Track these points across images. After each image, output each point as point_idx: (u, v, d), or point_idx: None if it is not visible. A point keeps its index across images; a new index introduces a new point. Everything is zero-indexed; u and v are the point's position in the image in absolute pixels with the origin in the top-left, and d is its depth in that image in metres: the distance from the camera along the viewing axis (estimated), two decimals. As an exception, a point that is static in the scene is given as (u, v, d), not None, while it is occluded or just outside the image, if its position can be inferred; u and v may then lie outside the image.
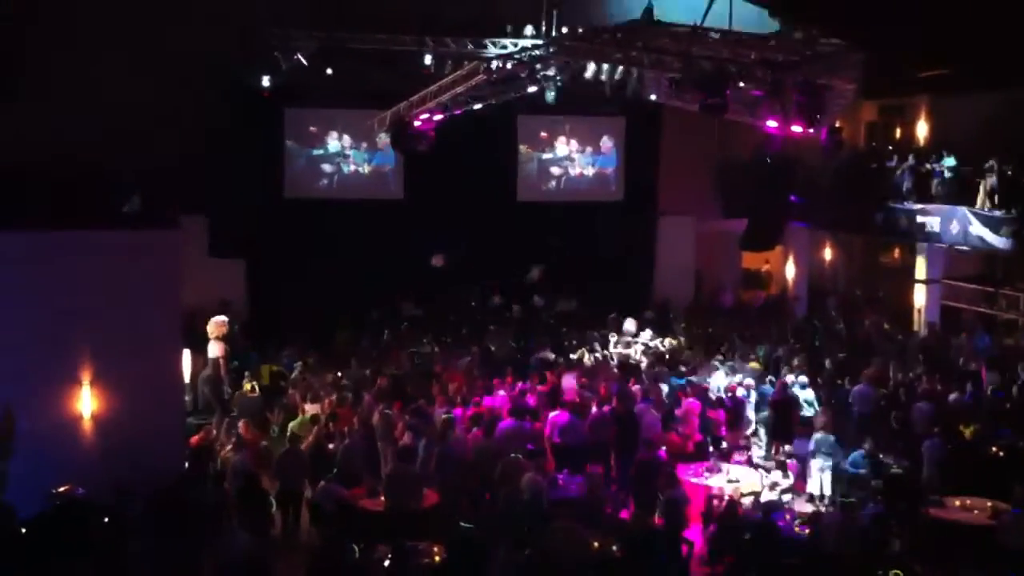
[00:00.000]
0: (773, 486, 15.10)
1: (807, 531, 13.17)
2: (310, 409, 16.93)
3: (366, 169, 25.27)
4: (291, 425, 16.01)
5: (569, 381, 18.49)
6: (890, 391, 18.26)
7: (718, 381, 18.94)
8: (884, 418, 17.15)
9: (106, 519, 11.99)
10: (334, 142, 25.01)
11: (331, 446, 15.23)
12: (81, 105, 20.03)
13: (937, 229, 20.80)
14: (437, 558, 11.92)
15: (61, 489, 12.36)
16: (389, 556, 11.66)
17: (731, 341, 22.33)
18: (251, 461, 14.23)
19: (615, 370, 19.85)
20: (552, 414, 16.47)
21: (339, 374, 19.21)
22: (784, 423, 17.00)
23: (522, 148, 26.49)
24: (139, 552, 11.84)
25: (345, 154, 25.11)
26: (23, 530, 11.59)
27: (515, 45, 20.34)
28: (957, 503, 13.77)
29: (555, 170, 26.81)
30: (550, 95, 20.58)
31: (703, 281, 27.93)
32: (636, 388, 17.75)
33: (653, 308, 25.58)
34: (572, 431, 16.04)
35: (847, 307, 25.58)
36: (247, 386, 17.69)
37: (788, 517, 13.71)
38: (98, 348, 13.64)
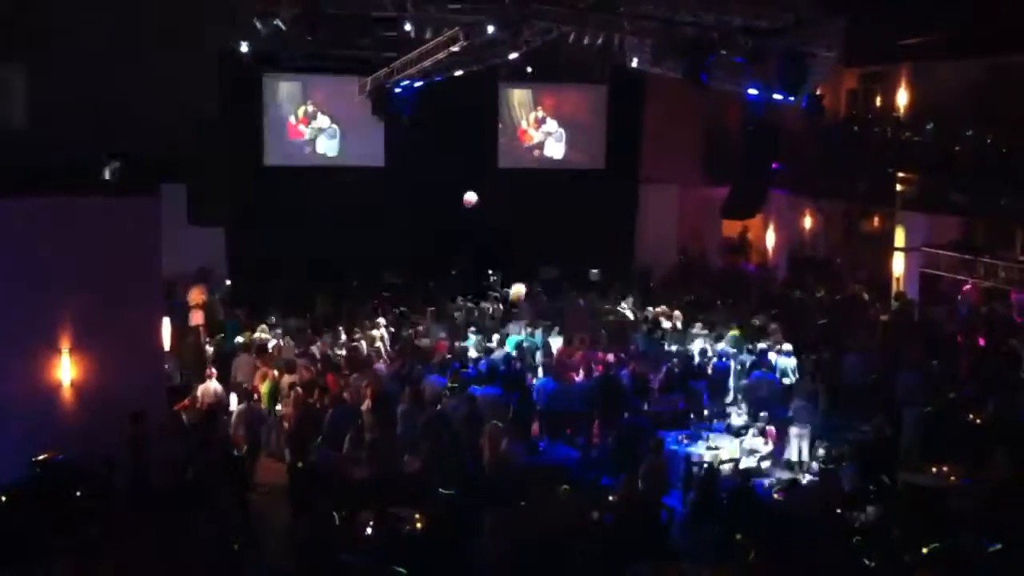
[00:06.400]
0: (752, 453, 15.18)
1: (785, 497, 13.29)
2: (288, 378, 16.87)
3: (347, 136, 25.15)
4: (263, 388, 16.28)
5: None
6: (879, 361, 18.35)
7: (698, 349, 18.99)
8: (869, 385, 17.29)
9: (89, 486, 11.99)
10: (314, 109, 24.87)
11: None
12: (59, 72, 19.81)
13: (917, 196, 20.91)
14: (420, 525, 11.98)
15: (42, 456, 12.36)
16: (372, 523, 11.71)
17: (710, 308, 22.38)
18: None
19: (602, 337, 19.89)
20: (538, 381, 16.54)
21: (319, 342, 19.15)
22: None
23: (503, 116, 26.42)
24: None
25: (325, 121, 24.97)
26: (3, 497, 11.61)
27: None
28: (934, 470, 13.89)
29: (537, 137, 26.75)
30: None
31: (685, 249, 28.00)
32: (611, 356, 17.90)
33: (634, 275, 25.68)
34: (559, 397, 16.12)
35: (828, 275, 25.67)
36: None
37: (766, 484, 13.83)
38: (77, 316, 13.54)
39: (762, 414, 15.86)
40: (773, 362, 17.52)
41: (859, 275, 25.20)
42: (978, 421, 15.32)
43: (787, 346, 18.29)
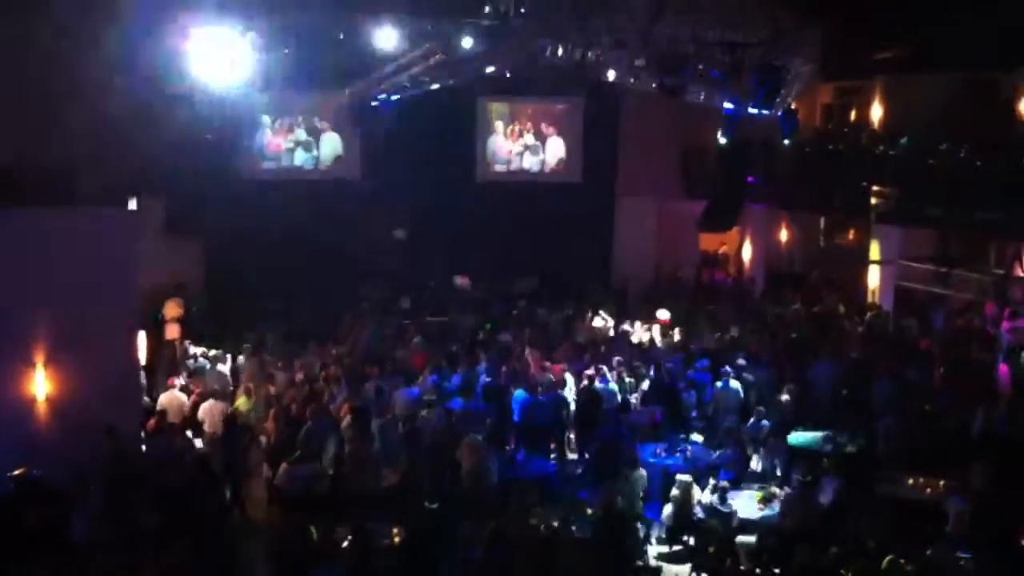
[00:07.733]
0: (729, 466, 15.19)
1: (763, 509, 13.33)
2: (266, 391, 16.74)
3: (324, 148, 25.14)
4: (240, 402, 16.11)
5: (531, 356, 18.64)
6: (850, 370, 18.42)
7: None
8: (844, 396, 17.37)
9: (63, 502, 11.92)
10: (291, 122, 24.84)
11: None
12: (33, 85, 19.67)
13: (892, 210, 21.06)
14: (397, 539, 11.95)
15: (16, 472, 12.26)
16: (349, 537, 11.67)
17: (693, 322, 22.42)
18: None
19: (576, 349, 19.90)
20: (515, 393, 16.52)
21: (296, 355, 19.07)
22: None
23: (481, 129, 26.47)
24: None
25: (303, 134, 24.95)
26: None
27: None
28: (910, 481, 13.95)
29: (514, 151, 26.80)
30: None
31: (662, 263, 28.06)
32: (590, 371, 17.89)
33: (612, 289, 25.73)
34: (533, 410, 16.10)
35: (805, 288, 25.75)
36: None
37: (744, 495, 13.85)
38: (52, 330, 13.45)
39: (725, 424, 15.96)
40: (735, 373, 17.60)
41: (835, 288, 25.29)
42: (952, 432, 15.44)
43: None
